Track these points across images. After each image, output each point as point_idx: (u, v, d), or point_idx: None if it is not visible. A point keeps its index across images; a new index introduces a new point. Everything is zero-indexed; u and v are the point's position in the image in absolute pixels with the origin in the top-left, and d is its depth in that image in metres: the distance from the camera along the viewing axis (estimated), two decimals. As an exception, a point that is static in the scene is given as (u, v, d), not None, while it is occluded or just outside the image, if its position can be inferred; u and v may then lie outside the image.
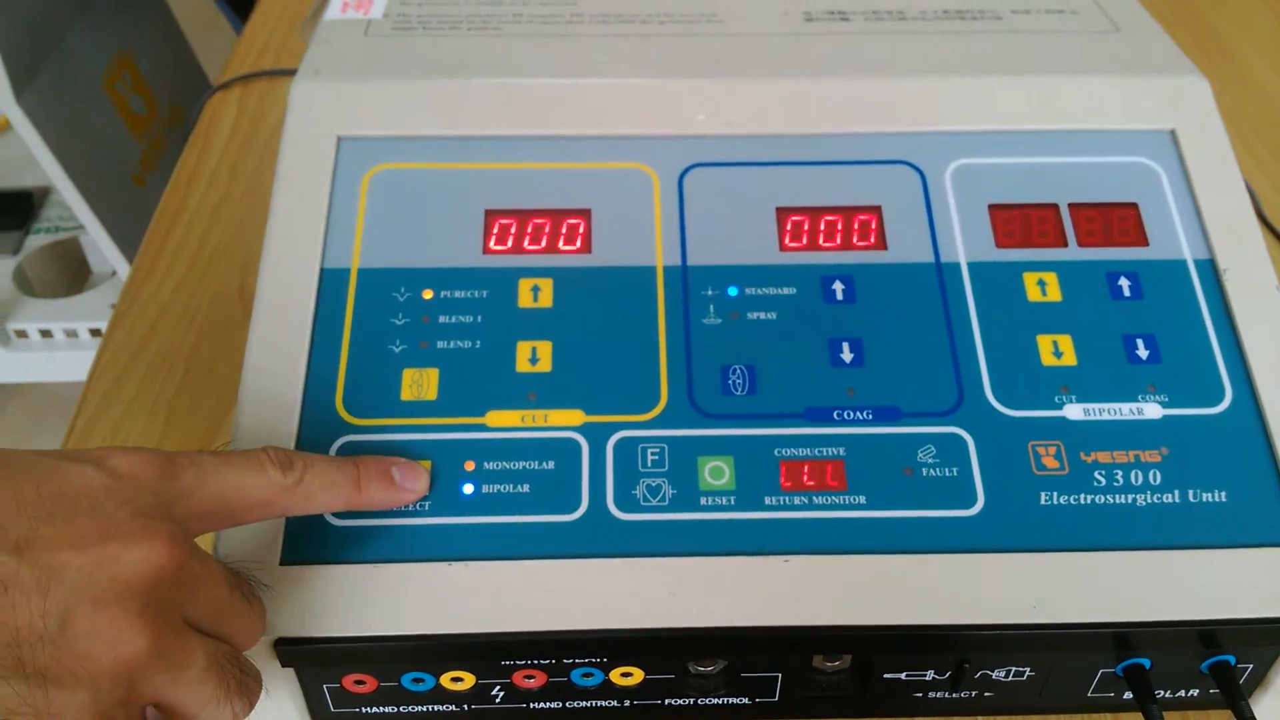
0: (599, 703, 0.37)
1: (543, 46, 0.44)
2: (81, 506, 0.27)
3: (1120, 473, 0.36)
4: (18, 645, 0.25)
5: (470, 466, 0.36)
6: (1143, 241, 0.41)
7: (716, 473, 0.36)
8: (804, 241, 0.40)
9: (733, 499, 0.36)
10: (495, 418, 0.36)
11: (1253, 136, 0.71)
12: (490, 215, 0.40)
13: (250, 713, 0.30)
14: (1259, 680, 0.38)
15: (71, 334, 1.05)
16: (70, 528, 0.27)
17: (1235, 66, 0.77)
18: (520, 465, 0.36)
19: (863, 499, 0.36)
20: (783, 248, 0.40)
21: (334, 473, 0.33)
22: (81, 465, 0.28)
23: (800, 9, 0.48)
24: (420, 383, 0.37)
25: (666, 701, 0.37)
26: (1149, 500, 0.36)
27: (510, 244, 0.39)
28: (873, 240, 0.40)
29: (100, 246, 0.94)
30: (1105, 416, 0.37)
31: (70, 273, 1.13)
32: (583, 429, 0.36)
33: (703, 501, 0.36)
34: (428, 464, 0.35)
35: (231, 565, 0.31)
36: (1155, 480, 0.36)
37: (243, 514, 0.31)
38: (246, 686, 0.30)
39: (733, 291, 0.39)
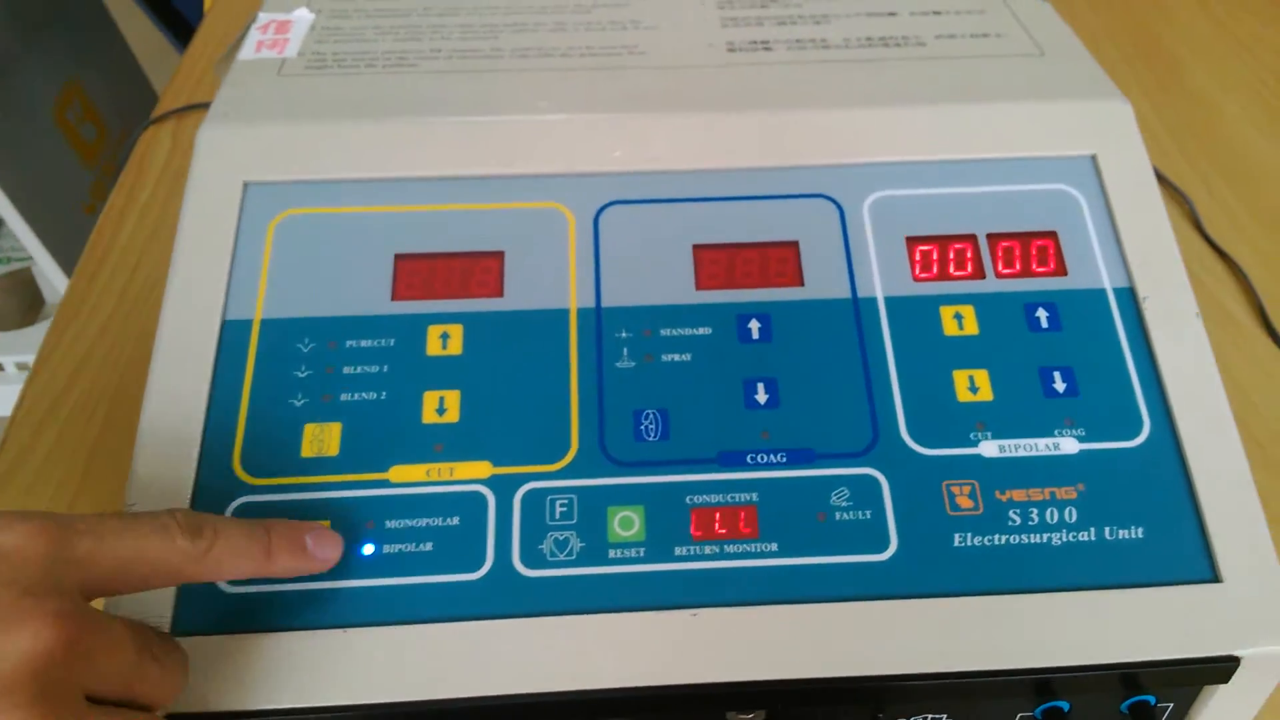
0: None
1: (459, 83, 0.44)
2: None
3: (1035, 511, 0.36)
4: None
5: (371, 525, 0.35)
6: (1061, 271, 0.40)
7: (626, 523, 0.35)
8: (720, 280, 0.40)
9: (642, 550, 0.35)
10: (399, 473, 0.36)
11: (1193, 145, 0.71)
12: (400, 260, 0.39)
13: None
14: (1180, 718, 0.37)
15: (23, 366, 1.04)
16: None
17: (1177, 75, 0.77)
18: (423, 523, 0.35)
19: (774, 546, 0.35)
20: (699, 286, 0.40)
21: (244, 540, 0.31)
22: None
23: (723, 40, 0.47)
24: (321, 438, 0.36)
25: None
26: (1064, 539, 0.36)
27: (420, 290, 0.39)
28: (789, 277, 0.40)
29: (49, 277, 0.93)
30: (1021, 453, 0.37)
31: (25, 303, 1.11)
32: (489, 481, 0.36)
33: (611, 554, 0.35)
34: (336, 536, 0.34)
35: (136, 620, 0.30)
36: (1071, 518, 0.36)
37: (146, 581, 0.30)
38: None
39: (647, 333, 0.39)
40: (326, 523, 0.34)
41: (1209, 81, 0.76)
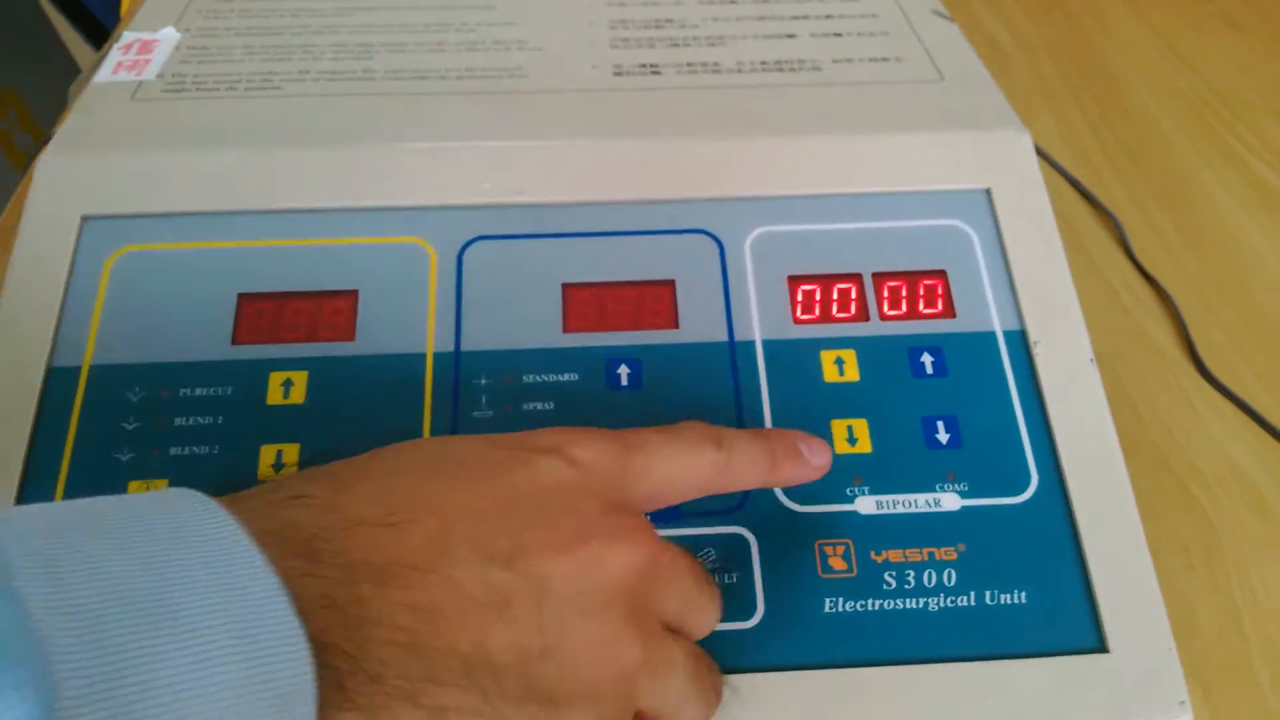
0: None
1: (321, 108, 0.41)
2: (557, 505, 0.26)
3: (912, 573, 0.34)
4: (525, 664, 0.24)
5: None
6: (950, 313, 0.38)
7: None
8: (590, 322, 0.37)
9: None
10: (230, 532, 0.33)
11: (1128, 165, 0.69)
12: (243, 300, 0.37)
13: (718, 707, 0.29)
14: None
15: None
16: (553, 532, 0.25)
17: (1115, 92, 0.75)
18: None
19: (635, 611, 0.33)
20: (567, 329, 0.37)
21: (756, 450, 0.31)
22: (546, 457, 0.27)
23: (611, 62, 0.45)
24: (148, 495, 0.33)
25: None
26: (942, 604, 0.33)
27: (263, 333, 0.36)
28: (664, 318, 0.38)
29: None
30: (899, 510, 0.35)
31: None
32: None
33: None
34: (824, 442, 0.33)
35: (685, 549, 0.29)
36: (950, 581, 0.34)
37: (679, 495, 0.30)
38: (716, 686, 0.29)
39: (509, 379, 0.36)
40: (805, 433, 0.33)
41: (1148, 98, 0.74)
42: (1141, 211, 0.66)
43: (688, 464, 0.29)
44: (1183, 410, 0.54)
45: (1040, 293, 0.38)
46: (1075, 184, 0.67)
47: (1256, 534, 0.48)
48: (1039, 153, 0.67)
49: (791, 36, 0.47)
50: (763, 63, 0.45)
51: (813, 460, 0.32)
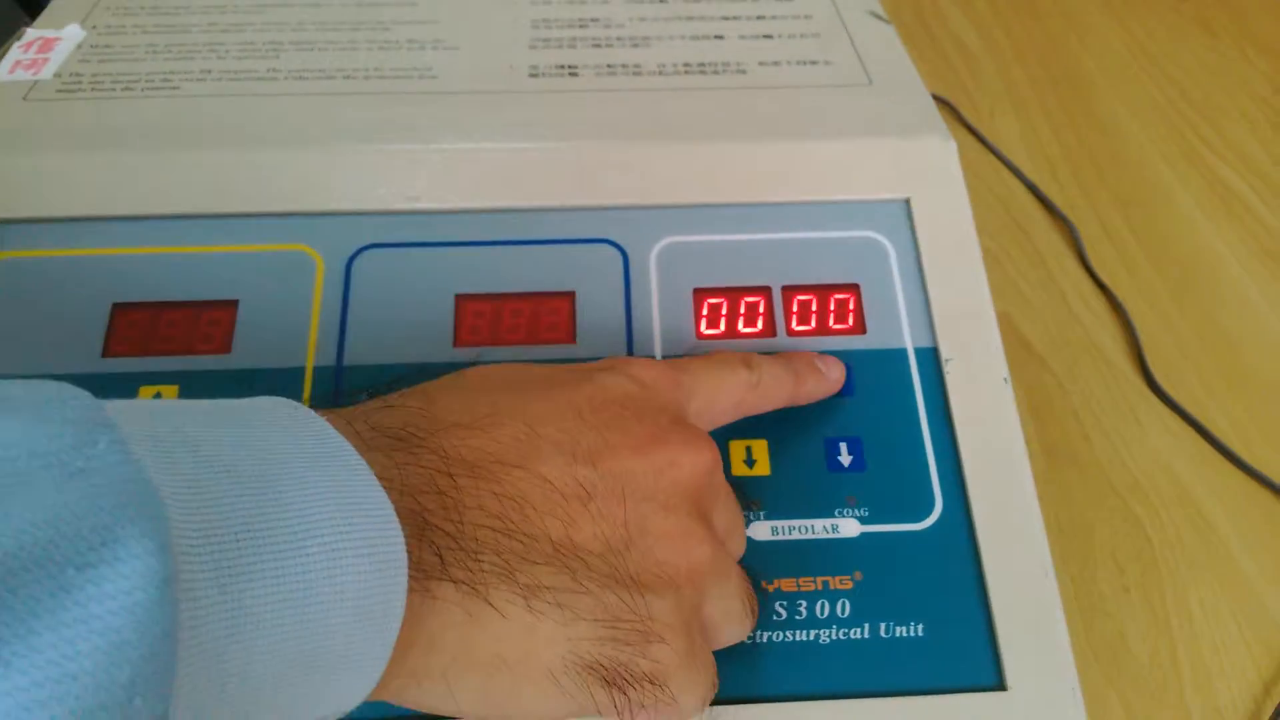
0: None
1: (217, 110, 0.40)
2: (629, 414, 0.28)
3: (804, 604, 0.32)
4: (610, 553, 0.25)
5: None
6: (860, 329, 0.36)
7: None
8: (483, 335, 0.36)
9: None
10: (88, 554, 0.32)
11: (1088, 169, 0.67)
12: (117, 311, 0.35)
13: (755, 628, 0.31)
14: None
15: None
16: (629, 435, 0.27)
17: (1085, 99, 0.73)
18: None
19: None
20: (458, 342, 0.36)
21: (780, 369, 0.33)
22: (612, 374, 0.29)
23: (528, 63, 0.43)
24: (5, 514, 0.32)
25: None
26: (833, 636, 0.32)
27: (136, 345, 0.35)
28: (561, 332, 0.36)
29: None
30: (795, 536, 0.33)
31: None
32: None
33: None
34: (837, 360, 0.36)
35: None
36: (843, 612, 0.32)
37: (720, 415, 0.32)
38: (755, 609, 0.30)
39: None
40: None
41: (1117, 103, 0.72)
42: (1100, 219, 0.64)
43: (726, 382, 0.32)
44: (1128, 424, 0.52)
45: (956, 309, 0.36)
46: (1033, 189, 0.65)
47: (1196, 554, 0.46)
48: (998, 157, 0.66)
49: (719, 38, 0.45)
50: (685, 65, 0.43)
51: (830, 374, 0.35)
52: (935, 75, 0.74)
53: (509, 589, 0.24)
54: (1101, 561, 0.46)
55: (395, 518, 0.22)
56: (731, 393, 0.32)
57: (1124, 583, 0.45)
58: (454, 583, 0.23)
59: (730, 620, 0.29)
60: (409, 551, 0.22)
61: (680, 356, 0.35)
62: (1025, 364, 0.54)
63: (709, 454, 0.28)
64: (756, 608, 0.30)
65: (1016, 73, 0.76)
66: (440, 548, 0.23)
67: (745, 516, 0.33)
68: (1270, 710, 0.41)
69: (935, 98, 0.70)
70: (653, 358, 0.32)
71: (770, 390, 0.33)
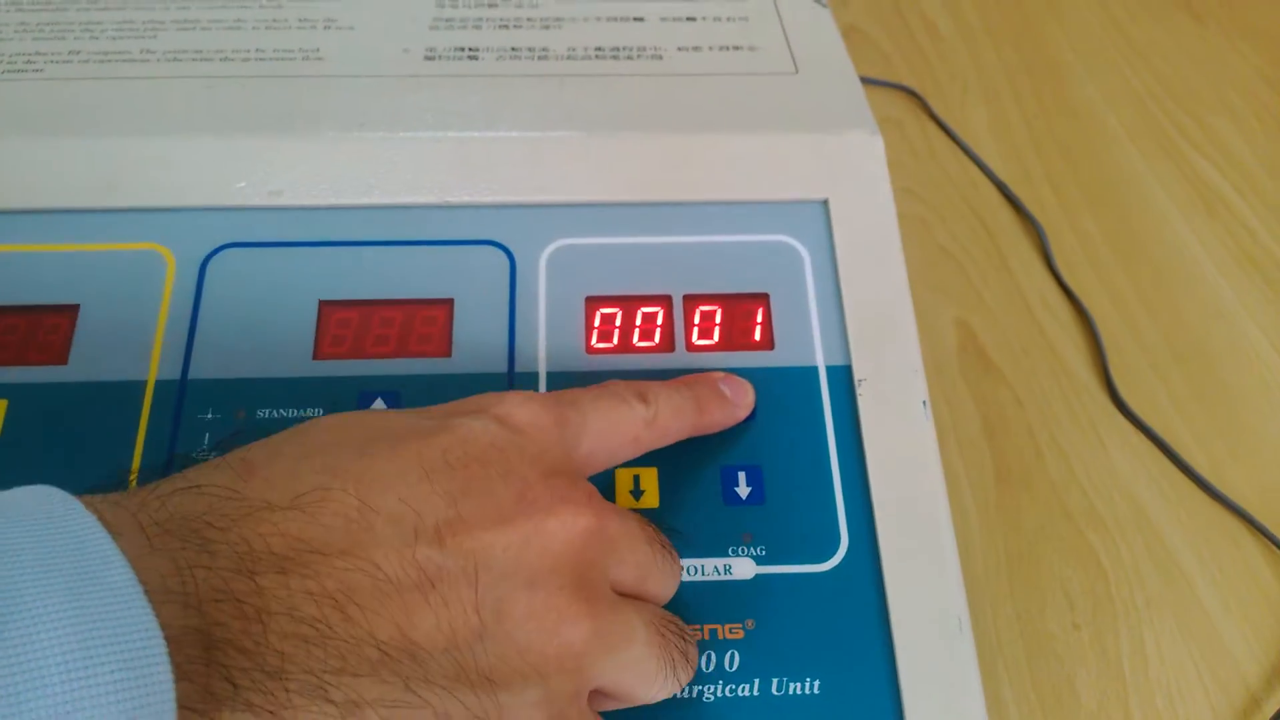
0: None
1: (74, 94, 0.36)
2: (494, 471, 0.24)
3: (689, 655, 0.29)
4: (456, 649, 0.22)
5: None
6: (767, 344, 0.33)
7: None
8: (346, 347, 0.32)
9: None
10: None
11: (1059, 162, 0.63)
12: (-57, 317, 0.32)
13: (691, 679, 0.27)
14: None
15: None
16: (489, 500, 0.24)
17: (1058, 83, 0.69)
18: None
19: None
20: (319, 354, 0.32)
21: (681, 400, 0.30)
22: (478, 419, 0.25)
23: (425, 45, 0.40)
24: None
25: None
26: (719, 693, 0.28)
27: (-40, 355, 0.31)
28: (435, 344, 0.32)
29: None
30: (684, 577, 0.30)
31: None
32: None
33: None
34: (743, 380, 0.32)
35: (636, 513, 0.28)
36: (731, 665, 0.29)
37: (614, 456, 0.29)
38: (687, 652, 0.27)
39: (240, 414, 0.31)
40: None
41: (1094, 91, 0.68)
42: (1070, 217, 0.60)
43: (619, 419, 0.28)
44: (1089, 443, 0.48)
45: (873, 324, 0.33)
46: (1000, 186, 0.61)
47: (1154, 588, 0.43)
48: (965, 151, 0.62)
49: (639, 20, 0.41)
50: (597, 49, 0.40)
51: (737, 401, 0.31)
52: (904, 62, 0.70)
53: (322, 708, 0.20)
54: (1051, 596, 0.43)
55: (162, 649, 0.18)
56: (626, 430, 0.28)
57: (1074, 619, 0.42)
58: (251, 710, 0.20)
59: (643, 682, 0.25)
60: (194, 680, 0.19)
61: (569, 373, 0.31)
62: (980, 376, 0.50)
63: (590, 512, 0.25)
64: (691, 652, 0.27)
65: (989, 57, 0.72)
66: (233, 671, 0.20)
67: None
68: (1224, 764, 0.37)
69: (902, 88, 0.66)
70: (533, 391, 0.28)
71: (669, 424, 0.29)
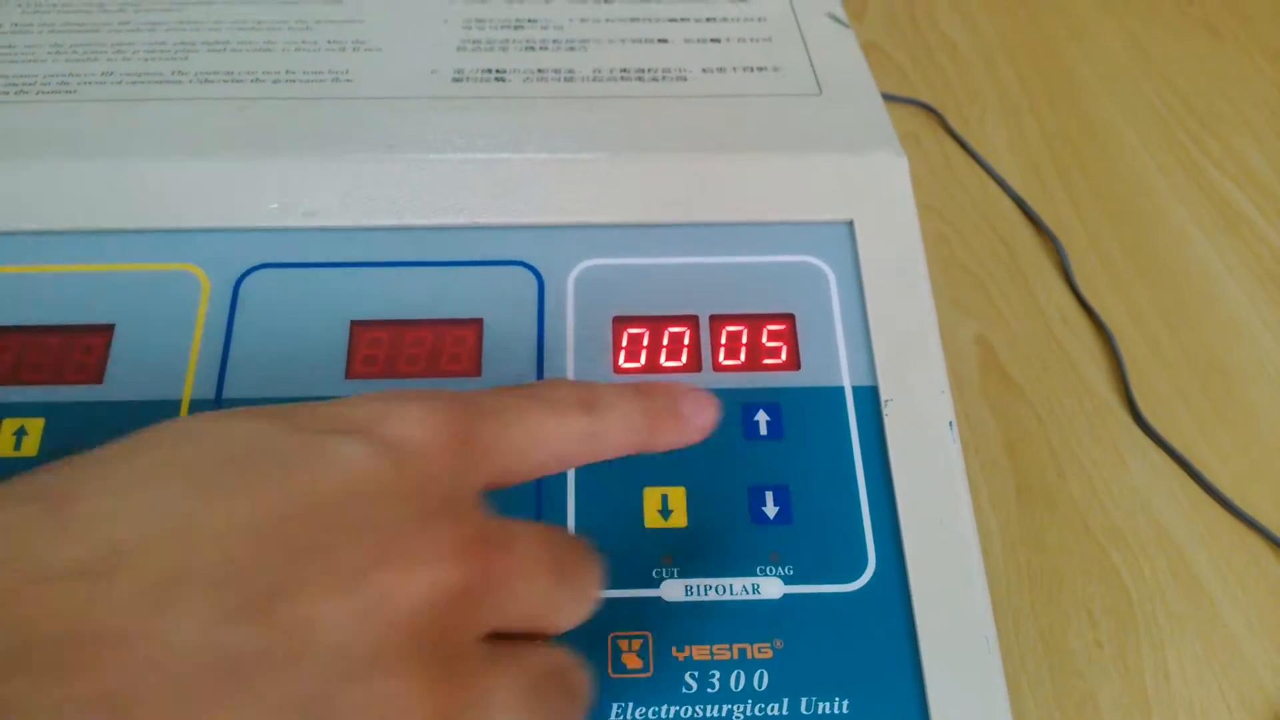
0: None
1: (108, 115, 0.37)
2: (350, 518, 0.19)
3: (718, 674, 0.29)
4: None
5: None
6: (794, 364, 0.33)
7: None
8: (378, 367, 0.33)
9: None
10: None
11: (1079, 180, 0.63)
12: (-19, 336, 0.32)
13: None
14: None
15: None
16: (330, 559, 0.19)
17: (1077, 100, 0.69)
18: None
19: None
20: (351, 374, 0.32)
21: (632, 412, 0.25)
22: (349, 442, 0.20)
23: (453, 67, 0.40)
24: None
25: None
26: (749, 712, 0.29)
27: (1, 373, 0.32)
28: (465, 364, 0.33)
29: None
30: (711, 596, 0.30)
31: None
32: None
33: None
34: (710, 397, 0.28)
35: (545, 525, 0.23)
36: (760, 684, 0.29)
37: (537, 471, 0.24)
38: (575, 706, 0.22)
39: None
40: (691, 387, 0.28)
41: (1113, 108, 0.68)
42: (1091, 234, 0.60)
43: (550, 434, 0.24)
44: (1110, 461, 0.48)
45: (899, 345, 0.33)
46: (1020, 203, 0.61)
47: (1177, 606, 0.43)
48: (984, 168, 0.62)
49: (663, 41, 0.42)
50: (623, 71, 0.40)
51: (696, 420, 0.27)
52: (922, 78, 0.70)
53: None
54: (1074, 614, 0.43)
55: None
56: (555, 446, 0.24)
57: (1097, 637, 0.42)
58: None
59: None
60: None
61: (496, 387, 0.30)
62: (1001, 394, 0.50)
63: (462, 565, 0.20)
64: (576, 693, 0.23)
65: (1008, 75, 0.72)
66: None
67: (655, 573, 0.30)
68: (1250, 784, 0.37)
69: (920, 105, 0.66)
70: (449, 391, 0.23)
71: (614, 440, 0.25)
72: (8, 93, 0.38)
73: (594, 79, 0.40)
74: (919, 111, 0.67)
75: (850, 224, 0.35)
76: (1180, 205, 0.62)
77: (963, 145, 0.64)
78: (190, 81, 0.39)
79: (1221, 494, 0.46)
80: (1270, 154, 0.65)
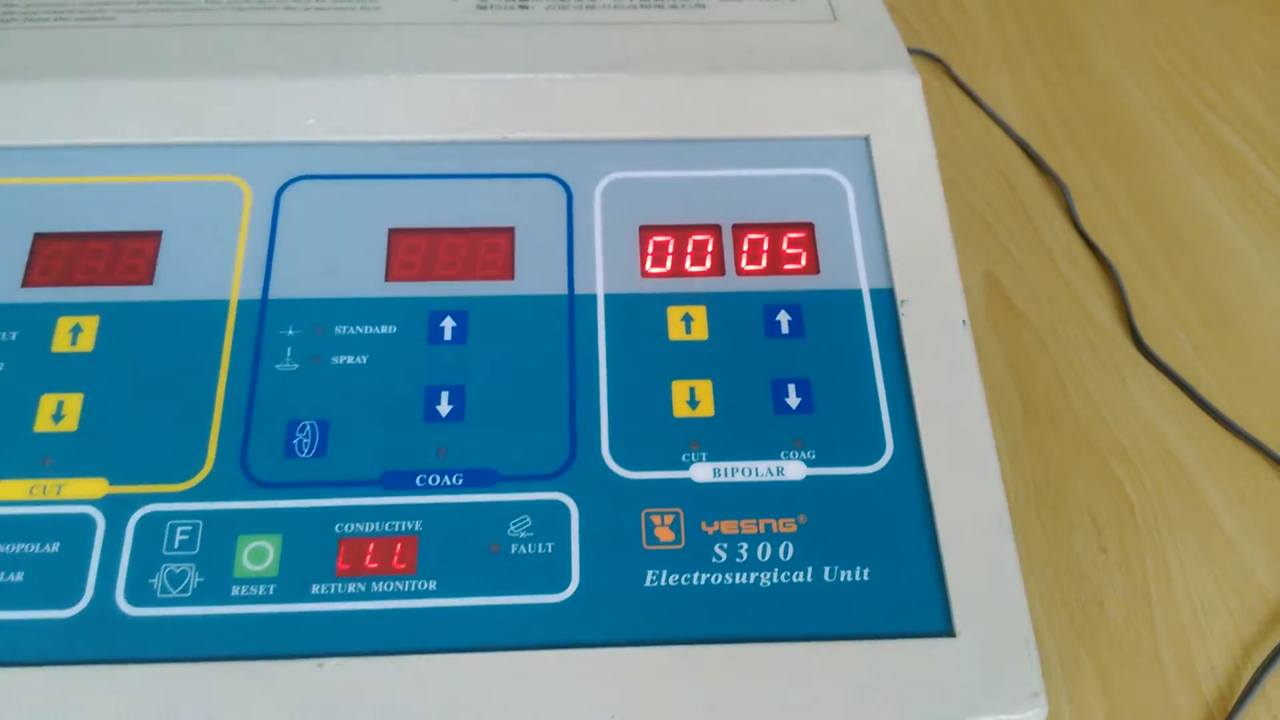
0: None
1: (151, 39, 0.38)
2: None
3: (745, 546, 0.31)
4: None
5: (-47, 550, 0.30)
6: (813, 269, 0.35)
7: (258, 555, 0.30)
8: (416, 270, 0.34)
9: (272, 588, 0.30)
10: (-3, 489, 0.30)
11: (1082, 127, 0.65)
12: (38, 241, 0.34)
13: None
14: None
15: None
16: None
17: (1079, 53, 0.71)
18: (16, 548, 0.30)
19: (432, 584, 0.30)
20: (390, 277, 0.34)
21: None
22: None
23: (477, -5, 0.41)
24: (-91, 447, 0.31)
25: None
26: (775, 579, 0.30)
27: (55, 275, 0.33)
28: (498, 269, 0.34)
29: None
30: (737, 478, 0.31)
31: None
32: (102, 502, 0.30)
33: (235, 591, 0.30)
34: None
35: None
36: (786, 555, 0.30)
37: None
38: None
39: (318, 330, 0.33)
40: None
41: (1114, 63, 0.70)
42: (1093, 176, 0.62)
43: None
44: (1113, 384, 0.50)
45: (915, 250, 0.35)
46: (1023, 145, 0.63)
47: (1177, 516, 0.44)
48: (988, 113, 0.63)
49: (681, -28, 0.43)
50: (642, 0, 0.41)
51: None
52: (930, 32, 0.72)
53: None
54: (1079, 522, 0.44)
55: None
56: None
57: (1101, 543, 0.43)
58: None
59: None
60: None
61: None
62: (1007, 323, 0.52)
63: None
64: None
65: (1011, 27, 0.73)
66: None
67: (684, 457, 0.32)
68: (1249, 673, 0.39)
69: (925, 53, 0.68)
70: None
71: None
72: (47, 19, 0.40)
73: (614, 6, 0.41)
74: (925, 62, 0.68)
75: (866, 139, 0.37)
76: (1181, 150, 0.63)
77: (968, 93, 0.66)
78: (223, 8, 0.40)
79: (1220, 413, 0.47)
80: (1268, 102, 0.67)
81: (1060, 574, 0.42)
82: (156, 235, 0.34)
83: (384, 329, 0.33)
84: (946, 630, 0.30)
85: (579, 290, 0.34)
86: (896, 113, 0.37)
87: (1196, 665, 0.40)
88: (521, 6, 0.41)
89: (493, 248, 0.35)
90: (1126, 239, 0.58)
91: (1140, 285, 0.55)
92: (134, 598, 0.29)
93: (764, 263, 0.35)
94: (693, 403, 0.33)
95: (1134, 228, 0.58)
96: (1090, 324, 0.53)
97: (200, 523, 0.30)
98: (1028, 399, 0.49)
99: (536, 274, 0.34)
